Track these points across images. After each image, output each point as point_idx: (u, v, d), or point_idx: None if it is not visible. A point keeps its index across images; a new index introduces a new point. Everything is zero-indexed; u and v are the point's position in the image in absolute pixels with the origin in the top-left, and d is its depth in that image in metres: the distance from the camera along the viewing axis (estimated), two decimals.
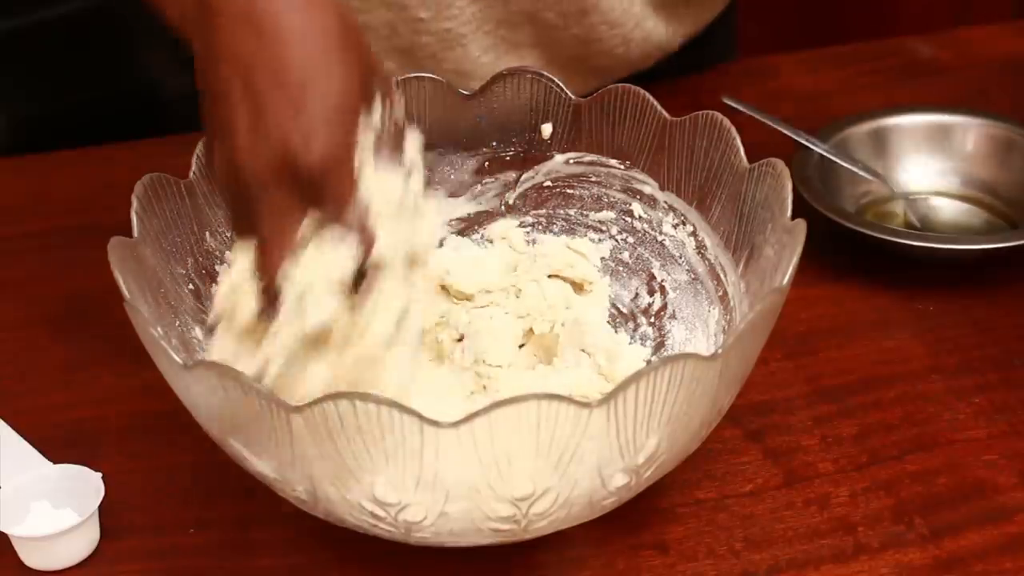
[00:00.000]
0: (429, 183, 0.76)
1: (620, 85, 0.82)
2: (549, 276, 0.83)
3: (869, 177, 0.95)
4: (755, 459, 0.77)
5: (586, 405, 0.56)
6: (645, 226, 0.83)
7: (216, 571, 0.71)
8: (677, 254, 0.82)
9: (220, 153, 0.63)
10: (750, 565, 0.70)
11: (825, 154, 0.94)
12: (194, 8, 0.63)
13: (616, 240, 0.85)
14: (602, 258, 0.85)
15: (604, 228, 0.85)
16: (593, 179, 0.85)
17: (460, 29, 0.94)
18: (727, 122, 0.76)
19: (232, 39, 0.61)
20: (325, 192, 0.62)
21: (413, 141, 0.67)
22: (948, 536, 0.72)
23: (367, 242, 0.63)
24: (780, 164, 0.72)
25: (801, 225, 0.66)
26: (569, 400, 0.55)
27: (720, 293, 0.78)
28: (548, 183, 0.85)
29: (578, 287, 0.83)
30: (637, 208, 0.83)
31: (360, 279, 0.64)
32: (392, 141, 0.65)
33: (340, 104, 0.62)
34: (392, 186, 0.65)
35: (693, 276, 0.80)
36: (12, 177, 1.07)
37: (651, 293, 0.83)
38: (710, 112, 0.77)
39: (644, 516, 0.72)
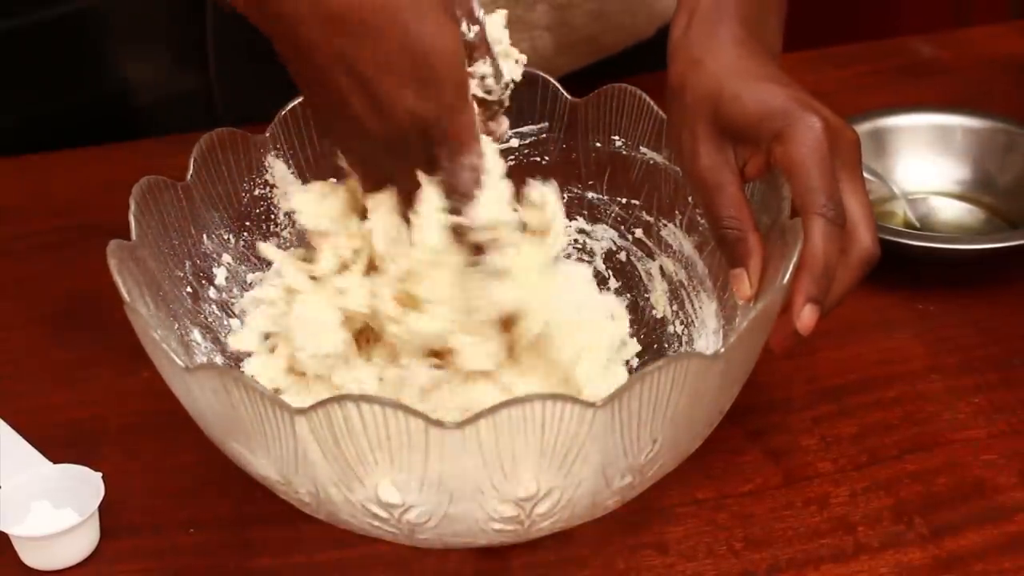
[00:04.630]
0: None
1: (617, 85, 0.82)
2: None
3: (869, 177, 0.95)
4: (755, 459, 0.77)
5: (590, 405, 0.56)
6: (644, 225, 0.83)
7: (216, 571, 0.71)
8: (677, 253, 0.82)
9: (340, 129, 0.66)
10: (750, 565, 0.70)
11: None
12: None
13: (614, 241, 0.85)
14: (602, 256, 0.85)
15: (600, 219, 0.85)
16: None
17: None
18: None
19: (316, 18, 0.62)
20: (450, 139, 0.65)
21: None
22: (948, 536, 0.72)
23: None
24: None
25: (800, 224, 0.66)
26: (574, 400, 0.55)
27: (720, 292, 0.78)
28: None
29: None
30: (636, 206, 0.83)
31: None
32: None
33: (444, 56, 0.63)
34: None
35: (692, 275, 0.80)
36: (12, 177, 1.07)
37: (650, 292, 0.83)
38: None
39: (644, 516, 0.73)
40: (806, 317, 0.65)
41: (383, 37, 0.62)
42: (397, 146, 0.66)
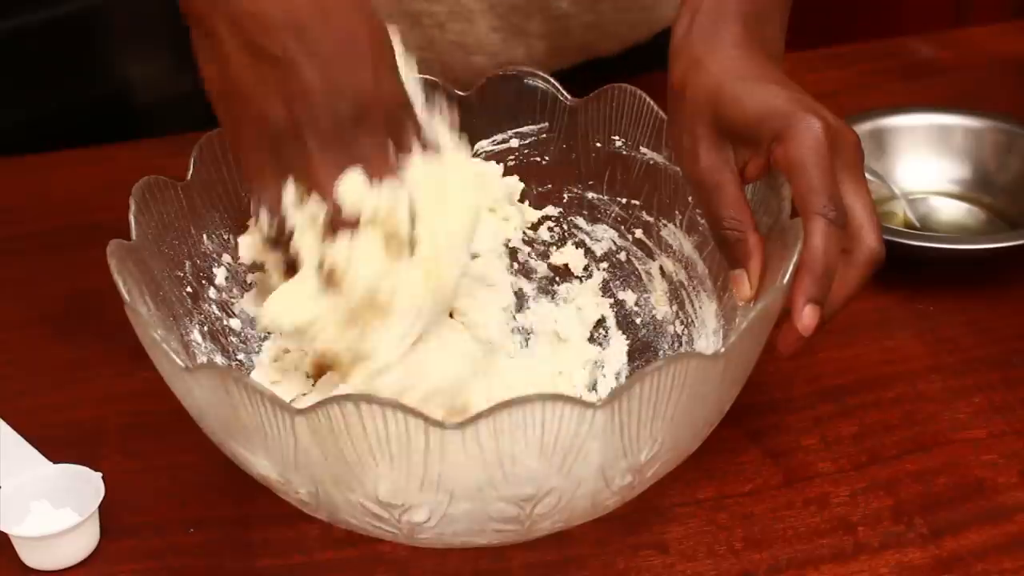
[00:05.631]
0: None
1: (617, 85, 0.82)
2: None
3: (869, 177, 0.94)
4: (755, 459, 0.77)
5: (590, 405, 0.56)
6: (644, 225, 0.83)
7: (216, 571, 0.71)
8: (677, 253, 0.82)
9: (284, 104, 0.65)
10: (750, 565, 0.70)
11: None
12: None
13: (614, 241, 0.85)
14: (599, 256, 0.85)
15: (600, 220, 0.85)
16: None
17: (471, 5, 0.94)
18: None
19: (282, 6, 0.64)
20: (403, 124, 0.68)
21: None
22: (948, 536, 0.72)
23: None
24: None
25: (800, 224, 0.66)
26: (574, 400, 0.55)
27: (720, 292, 0.78)
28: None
29: None
30: (636, 206, 0.83)
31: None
32: None
33: (390, 53, 0.68)
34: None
35: (692, 275, 0.80)
36: (12, 177, 1.07)
37: (650, 292, 0.83)
38: None
39: (644, 516, 0.73)
40: (807, 318, 0.65)
41: (337, 18, 0.65)
42: (353, 122, 0.66)
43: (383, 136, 0.67)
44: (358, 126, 0.66)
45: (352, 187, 0.65)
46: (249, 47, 0.65)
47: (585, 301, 0.85)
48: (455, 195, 0.69)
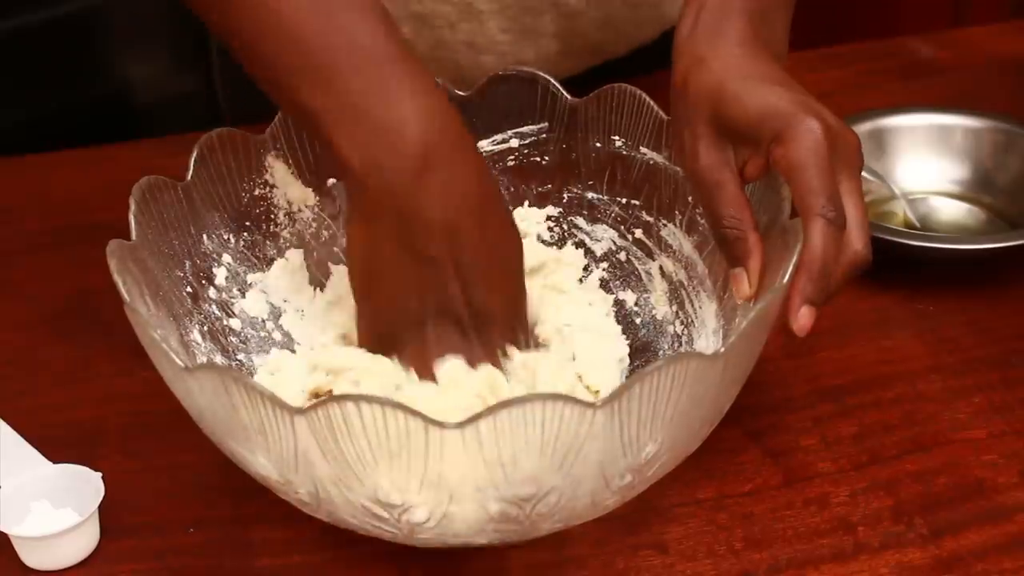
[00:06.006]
0: None
1: (617, 85, 0.82)
2: None
3: (869, 177, 0.95)
4: (755, 459, 0.77)
5: (590, 405, 0.56)
6: (644, 225, 0.83)
7: (216, 571, 0.71)
8: (677, 253, 0.82)
9: (420, 296, 0.70)
10: (750, 565, 0.70)
11: None
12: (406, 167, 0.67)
13: (614, 241, 0.85)
14: (599, 256, 0.85)
15: (600, 220, 0.85)
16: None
17: (480, 6, 0.94)
18: None
19: (441, 205, 0.68)
20: (515, 333, 0.73)
21: None
22: (948, 536, 0.72)
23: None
24: None
25: (800, 225, 0.66)
26: (574, 400, 0.55)
27: (720, 292, 0.78)
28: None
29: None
30: (636, 206, 0.83)
31: None
32: None
33: (523, 262, 0.73)
34: None
35: (692, 275, 0.81)
36: (12, 177, 1.07)
37: (650, 292, 0.83)
38: None
39: (644, 516, 0.73)
40: (803, 319, 0.65)
41: (492, 225, 0.70)
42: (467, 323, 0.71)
43: (495, 341, 0.72)
44: (476, 331, 0.71)
45: (452, 370, 0.71)
46: (405, 243, 0.68)
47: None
48: (546, 386, 0.73)
